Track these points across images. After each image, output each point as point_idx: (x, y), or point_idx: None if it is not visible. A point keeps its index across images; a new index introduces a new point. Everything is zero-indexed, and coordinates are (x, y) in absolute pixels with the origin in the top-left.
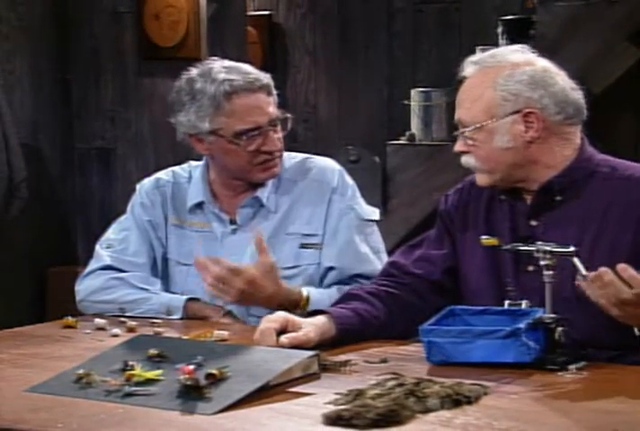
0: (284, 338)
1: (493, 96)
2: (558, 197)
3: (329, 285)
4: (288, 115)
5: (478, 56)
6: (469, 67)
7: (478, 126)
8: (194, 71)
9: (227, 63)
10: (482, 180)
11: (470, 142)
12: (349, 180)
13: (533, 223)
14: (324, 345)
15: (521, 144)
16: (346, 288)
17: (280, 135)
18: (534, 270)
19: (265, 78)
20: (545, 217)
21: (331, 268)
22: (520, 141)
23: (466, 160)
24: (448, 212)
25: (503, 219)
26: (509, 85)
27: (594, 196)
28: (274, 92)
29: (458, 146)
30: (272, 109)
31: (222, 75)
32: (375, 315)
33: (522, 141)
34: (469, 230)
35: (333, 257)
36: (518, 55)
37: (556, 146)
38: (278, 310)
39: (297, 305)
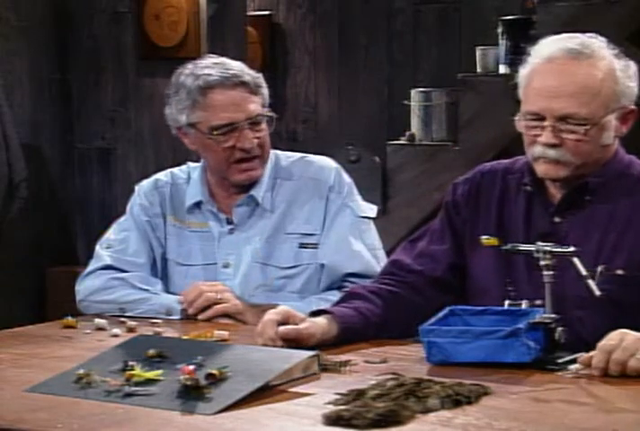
0: (283, 328)
1: (614, 91)
2: (587, 197)
3: (325, 287)
4: (273, 114)
5: (569, 43)
6: (565, 53)
7: (597, 121)
8: (188, 65)
9: (219, 59)
10: (559, 173)
11: (572, 136)
12: (346, 177)
13: (556, 219)
14: (325, 344)
15: (614, 140)
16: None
17: (261, 134)
18: None
19: (247, 75)
20: (570, 215)
21: (324, 266)
22: (614, 137)
23: (557, 153)
24: (455, 203)
25: (518, 213)
26: (626, 80)
27: (622, 198)
28: (262, 90)
29: (550, 138)
30: (253, 107)
31: (204, 70)
32: (377, 314)
33: (615, 137)
34: (479, 223)
35: (326, 255)
36: (604, 44)
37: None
38: None
39: None
